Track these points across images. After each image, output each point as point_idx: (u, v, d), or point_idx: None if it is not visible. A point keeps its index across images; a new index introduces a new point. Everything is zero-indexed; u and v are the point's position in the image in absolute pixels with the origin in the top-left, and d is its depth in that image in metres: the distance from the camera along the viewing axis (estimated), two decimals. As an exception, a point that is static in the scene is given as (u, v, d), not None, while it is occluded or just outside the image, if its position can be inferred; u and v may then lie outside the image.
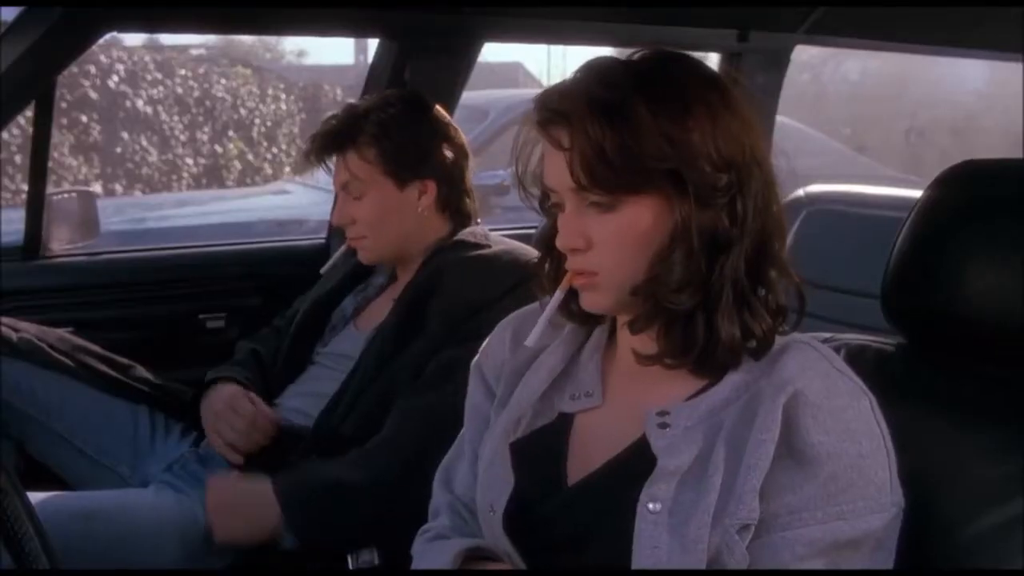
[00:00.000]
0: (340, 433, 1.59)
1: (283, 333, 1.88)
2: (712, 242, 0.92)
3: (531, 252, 1.66)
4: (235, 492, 1.54)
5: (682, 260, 0.92)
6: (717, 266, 0.92)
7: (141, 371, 1.83)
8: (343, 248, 1.81)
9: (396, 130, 1.68)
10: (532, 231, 1.97)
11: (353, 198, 1.69)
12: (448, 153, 1.72)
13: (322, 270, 1.87)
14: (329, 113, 1.76)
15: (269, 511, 1.49)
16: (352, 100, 1.82)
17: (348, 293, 1.86)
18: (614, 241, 0.94)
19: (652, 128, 0.90)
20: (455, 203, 1.74)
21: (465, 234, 1.72)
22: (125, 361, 1.83)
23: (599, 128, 0.90)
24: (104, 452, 1.75)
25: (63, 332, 1.82)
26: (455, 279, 1.61)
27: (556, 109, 0.93)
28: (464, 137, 1.78)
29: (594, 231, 0.94)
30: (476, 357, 1.13)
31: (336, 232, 2.30)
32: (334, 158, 1.71)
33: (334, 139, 1.69)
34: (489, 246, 1.68)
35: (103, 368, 1.79)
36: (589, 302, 0.98)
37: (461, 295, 1.59)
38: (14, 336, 1.72)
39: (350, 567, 1.44)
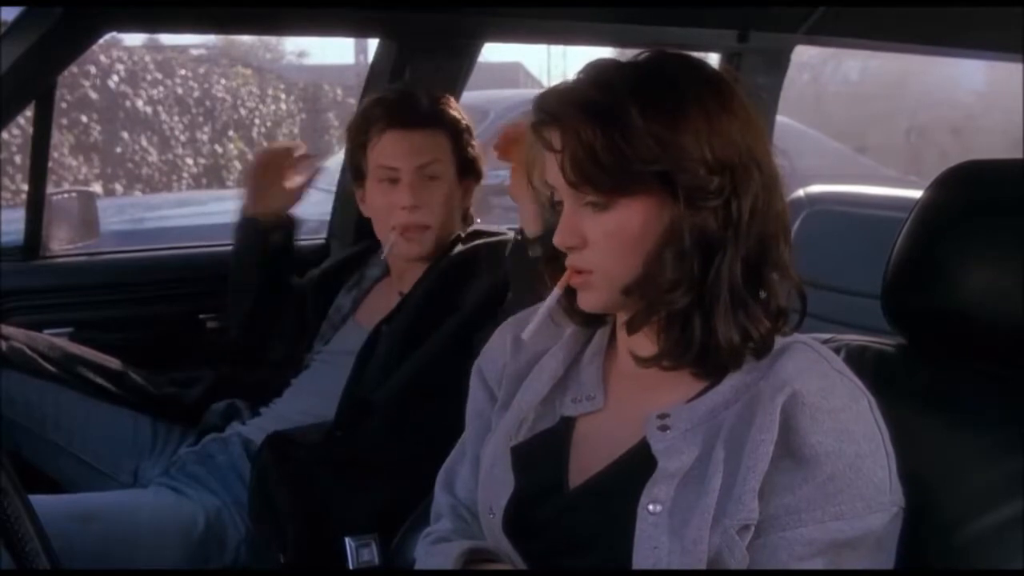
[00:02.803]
0: (362, 428, 1.59)
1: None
2: (705, 244, 0.92)
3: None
4: None
5: (673, 261, 0.92)
6: (712, 268, 0.92)
7: (134, 378, 1.80)
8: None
9: (462, 122, 1.75)
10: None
11: (428, 179, 1.69)
12: (478, 156, 1.78)
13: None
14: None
15: None
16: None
17: (339, 289, 1.86)
18: (607, 240, 0.94)
19: (642, 131, 0.90)
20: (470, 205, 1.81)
21: (477, 227, 1.78)
22: (118, 367, 1.81)
23: (590, 130, 0.91)
24: (104, 460, 1.74)
25: (53, 339, 1.80)
26: (497, 260, 1.62)
27: (549, 112, 0.94)
28: None
29: (589, 230, 0.95)
30: (477, 360, 1.14)
31: (336, 232, 2.30)
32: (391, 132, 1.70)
33: (413, 112, 1.70)
34: (504, 233, 1.72)
35: (96, 379, 1.76)
36: (584, 301, 0.99)
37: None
38: (3, 345, 1.70)
39: (350, 567, 1.44)
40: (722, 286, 0.92)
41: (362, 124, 1.73)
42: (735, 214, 0.92)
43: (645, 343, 0.97)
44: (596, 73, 0.95)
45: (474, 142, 1.78)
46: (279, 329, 1.89)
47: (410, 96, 1.73)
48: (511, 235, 1.69)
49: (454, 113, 1.75)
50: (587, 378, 1.04)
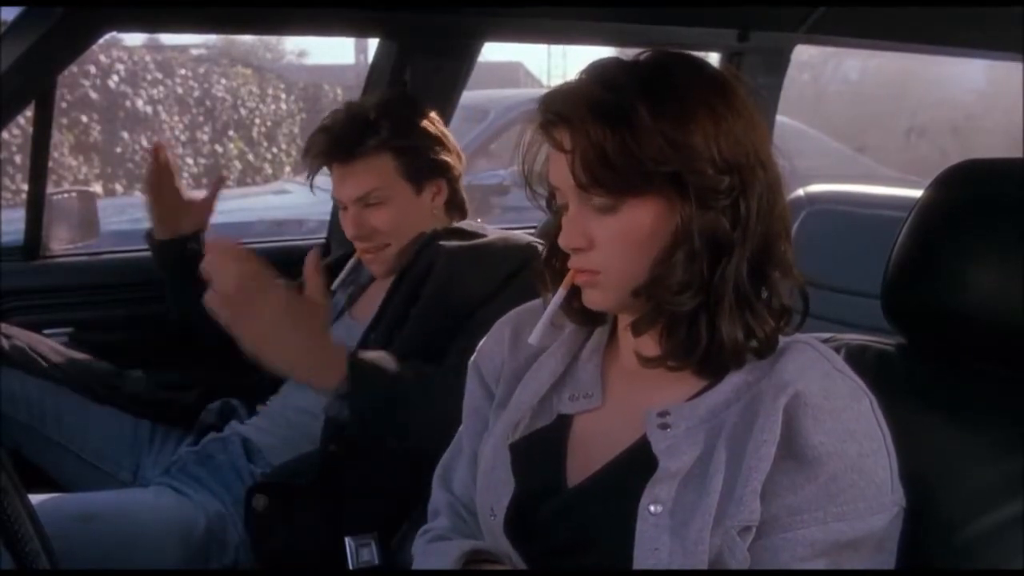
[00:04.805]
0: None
1: None
2: (714, 244, 0.92)
3: (526, 238, 1.67)
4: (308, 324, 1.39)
5: (684, 262, 0.91)
6: (719, 268, 0.92)
7: (135, 383, 1.81)
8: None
9: (412, 134, 1.70)
10: (531, 231, 1.97)
11: (371, 207, 1.68)
12: (448, 152, 1.74)
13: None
14: (327, 113, 1.76)
15: (332, 363, 1.41)
16: (351, 100, 1.82)
17: (337, 285, 1.86)
18: (616, 242, 0.94)
19: (653, 131, 0.90)
20: (458, 200, 1.77)
21: (461, 224, 1.74)
22: (113, 374, 1.81)
23: (600, 131, 0.90)
24: (104, 458, 1.74)
25: (56, 343, 1.80)
26: (452, 269, 1.60)
27: (558, 112, 0.93)
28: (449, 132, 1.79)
29: (596, 231, 0.94)
30: (473, 356, 1.13)
31: (336, 232, 2.30)
32: (334, 166, 1.69)
33: (345, 146, 1.66)
34: (485, 235, 1.69)
35: (92, 386, 1.77)
36: (590, 300, 0.98)
37: (460, 286, 1.58)
38: (5, 344, 1.71)
39: (350, 567, 1.44)
40: (727, 286, 0.92)
41: (307, 156, 1.72)
42: (743, 214, 0.92)
43: (650, 343, 0.97)
44: (602, 72, 0.94)
45: (433, 145, 1.72)
46: None
47: (349, 122, 1.68)
48: (492, 236, 1.68)
49: (404, 127, 1.68)
50: (585, 376, 1.03)
